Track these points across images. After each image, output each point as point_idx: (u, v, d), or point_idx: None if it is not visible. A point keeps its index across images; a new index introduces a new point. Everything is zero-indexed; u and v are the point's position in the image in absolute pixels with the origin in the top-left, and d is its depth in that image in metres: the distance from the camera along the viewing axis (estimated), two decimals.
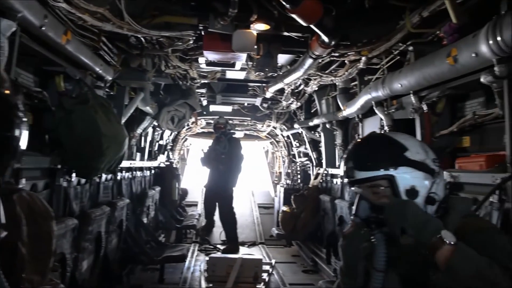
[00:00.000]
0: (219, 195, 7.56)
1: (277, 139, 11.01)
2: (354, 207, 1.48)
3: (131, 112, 5.65)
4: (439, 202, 1.41)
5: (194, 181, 12.01)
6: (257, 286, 5.07)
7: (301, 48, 3.93)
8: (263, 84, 6.59)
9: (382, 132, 1.84)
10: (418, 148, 1.44)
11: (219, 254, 6.55)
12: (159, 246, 5.31)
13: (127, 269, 5.15)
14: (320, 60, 4.22)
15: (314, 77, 5.36)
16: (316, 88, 6.29)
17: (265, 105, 8.41)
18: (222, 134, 7.50)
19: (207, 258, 5.84)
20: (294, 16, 2.82)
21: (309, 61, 3.92)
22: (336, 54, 3.78)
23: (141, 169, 5.97)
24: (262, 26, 3.49)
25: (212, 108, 8.45)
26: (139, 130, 6.20)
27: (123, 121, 5.06)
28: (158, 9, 3.39)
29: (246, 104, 8.54)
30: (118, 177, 4.63)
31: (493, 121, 3.08)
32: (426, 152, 1.44)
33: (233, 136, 7.84)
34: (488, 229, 1.38)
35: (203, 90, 7.09)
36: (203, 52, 3.89)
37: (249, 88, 7.08)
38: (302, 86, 6.31)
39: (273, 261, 6.59)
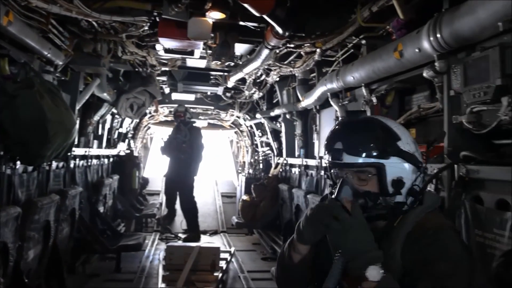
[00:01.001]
0: (180, 184, 7.52)
1: (241, 129, 11.03)
2: (335, 191, 1.36)
3: (87, 99, 5.52)
4: (417, 194, 1.39)
5: (157, 169, 11.86)
6: (214, 274, 5.12)
7: (258, 38, 3.95)
8: (225, 74, 6.57)
9: (374, 116, 1.78)
10: (409, 138, 1.40)
11: (178, 243, 6.53)
12: (115, 235, 5.25)
13: (82, 259, 5.07)
14: (277, 51, 4.27)
15: (274, 68, 5.41)
16: (277, 79, 6.35)
17: (228, 94, 8.39)
18: (182, 122, 7.43)
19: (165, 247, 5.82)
20: (246, 6, 2.83)
21: (265, 52, 3.95)
22: (292, 46, 3.82)
23: (98, 157, 5.84)
24: (218, 15, 3.48)
25: (174, 96, 8.34)
26: (96, 117, 6.05)
27: (77, 107, 4.94)
28: None
29: (209, 93, 8.49)
30: (72, 165, 4.52)
31: (435, 114, 3.24)
32: (415, 143, 1.42)
33: (194, 125, 7.79)
34: (443, 232, 1.33)
35: (164, 78, 6.98)
36: (159, 39, 3.83)
37: (211, 77, 7.04)
38: (263, 76, 6.35)
39: (232, 249, 6.65)
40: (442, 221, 1.39)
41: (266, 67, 5.41)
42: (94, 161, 5.62)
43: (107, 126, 6.81)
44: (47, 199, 3.26)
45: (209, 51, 4.75)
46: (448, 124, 2.79)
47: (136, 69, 6.03)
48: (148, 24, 3.57)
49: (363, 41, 3.80)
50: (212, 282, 4.83)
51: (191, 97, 8.40)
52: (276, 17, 3.01)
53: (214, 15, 3.49)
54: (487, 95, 2.36)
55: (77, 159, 4.74)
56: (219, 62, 4.21)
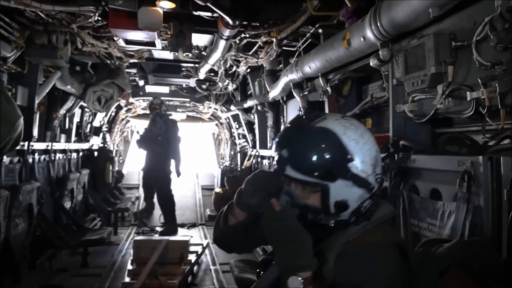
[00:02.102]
0: (157, 177, 7.46)
1: (220, 121, 10.97)
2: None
3: (52, 92, 5.42)
4: (363, 216, 1.28)
5: (138, 163, 11.77)
6: (182, 267, 5.08)
7: (214, 29, 3.87)
8: (195, 65, 6.49)
9: (331, 117, 1.29)
10: (367, 157, 1.23)
11: (145, 237, 6.47)
12: (80, 230, 5.18)
13: (47, 254, 5.00)
14: (237, 41, 4.20)
15: (241, 59, 5.34)
16: (248, 70, 6.29)
17: (204, 86, 8.31)
18: (157, 115, 7.35)
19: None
20: None
21: (222, 42, 3.88)
22: (247, 35, 3.76)
23: (64, 151, 5.74)
24: (168, 4, 3.40)
25: (148, 88, 8.24)
26: (62, 111, 5.94)
27: (37, 100, 4.83)
28: None
29: (184, 85, 8.39)
30: (30, 160, 4.43)
31: (386, 104, 3.21)
32: (373, 164, 1.25)
33: (170, 117, 7.71)
34: (375, 251, 1.25)
35: (134, 70, 6.87)
36: (110, 30, 3.75)
37: (182, 69, 6.94)
38: (234, 68, 6.28)
39: (205, 242, 6.62)
40: (380, 238, 1.27)
41: (233, 58, 5.35)
42: (59, 156, 5.52)
43: (76, 119, 6.69)
44: None
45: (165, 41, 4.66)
46: (393, 113, 2.77)
47: (104, 62, 5.92)
48: (97, 14, 3.47)
49: (320, 30, 3.76)
50: (179, 275, 4.79)
51: (165, 89, 8.30)
52: (221, 6, 2.95)
53: (164, 4, 3.41)
54: (424, 83, 2.35)
55: (36, 154, 4.64)
56: (184, 54, 4.13)
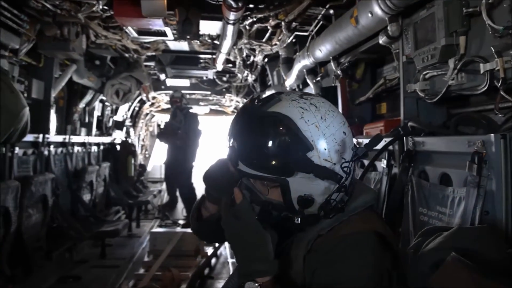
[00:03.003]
0: (178, 170, 7.47)
1: None
2: None
3: (72, 86, 5.49)
4: (334, 209, 1.11)
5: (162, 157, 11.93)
6: (197, 260, 5.04)
7: (221, 15, 3.74)
8: (212, 56, 6.39)
9: (287, 99, 1.09)
10: (331, 143, 1.05)
11: (164, 229, 6.48)
12: (97, 221, 5.23)
13: (66, 246, 5.08)
14: (246, 27, 4.06)
15: (255, 47, 5.19)
16: (266, 60, 6.13)
17: (224, 78, 8.23)
18: (178, 108, 7.35)
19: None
20: None
21: (230, 28, 3.75)
22: (254, 19, 3.61)
23: (83, 144, 5.81)
24: None
25: (169, 82, 8.24)
26: (81, 105, 6.02)
27: (53, 94, 4.90)
28: None
29: (204, 78, 8.34)
30: (46, 152, 4.49)
31: (399, 86, 2.98)
32: (340, 150, 1.06)
33: (190, 110, 7.71)
34: (349, 242, 1.09)
35: (153, 63, 6.86)
36: (116, 19, 3.70)
37: (200, 61, 6.87)
38: (252, 58, 6.14)
39: None
40: (357, 228, 1.10)
41: (248, 46, 5.21)
42: (78, 149, 5.59)
43: (97, 113, 6.77)
44: (2, 185, 3.22)
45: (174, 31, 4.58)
46: (404, 94, 2.55)
47: (122, 56, 5.94)
48: (101, 3, 3.43)
49: (331, 11, 3.55)
50: (193, 267, 4.75)
51: (185, 82, 8.28)
52: None
53: None
54: (434, 57, 2.12)
55: (52, 146, 4.71)
56: (194, 42, 4.02)
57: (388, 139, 2.44)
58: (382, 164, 2.53)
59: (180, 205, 8.36)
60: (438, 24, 2.04)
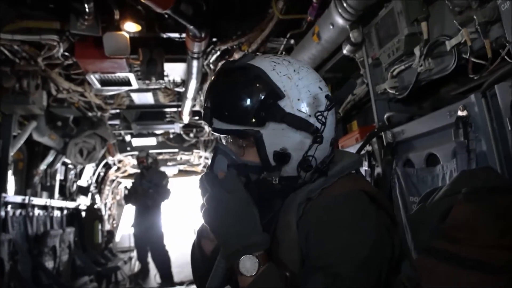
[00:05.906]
0: (149, 233, 7.08)
1: None
2: (210, 161, 1.12)
3: (27, 147, 5.24)
4: (316, 166, 1.04)
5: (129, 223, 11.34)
6: None
7: (184, 56, 3.77)
8: (178, 109, 6.39)
9: (260, 56, 1.05)
10: (304, 94, 1.00)
11: None
12: None
13: None
14: (211, 66, 4.10)
15: None
16: None
17: (191, 134, 8.18)
18: (144, 168, 7.17)
19: None
20: (147, 2, 2.67)
21: (195, 63, 3.77)
22: (218, 53, 3.67)
23: (45, 207, 5.41)
24: (133, 26, 3.32)
25: (135, 142, 8.10)
26: (42, 166, 5.71)
27: (11, 153, 4.62)
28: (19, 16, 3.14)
29: (171, 134, 8.26)
30: (2, 213, 4.11)
31: (369, 96, 3.02)
32: (314, 103, 1.00)
33: (159, 169, 7.55)
34: (340, 200, 1.00)
35: (117, 122, 6.75)
36: (77, 61, 3.64)
37: (166, 115, 6.83)
38: None
39: None
40: (349, 187, 1.02)
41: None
42: (39, 212, 5.19)
43: (60, 177, 6.43)
44: None
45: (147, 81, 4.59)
46: (374, 97, 2.57)
47: (85, 115, 5.82)
48: (62, 45, 3.38)
49: (292, 41, 3.67)
50: None
51: (152, 141, 8.15)
52: (183, 15, 2.86)
53: (128, 27, 3.33)
54: (400, 50, 2.18)
55: (9, 206, 4.34)
56: (162, 92, 3.98)
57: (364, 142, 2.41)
58: (364, 167, 2.46)
59: (152, 271, 7.82)
60: (399, 16, 2.12)
